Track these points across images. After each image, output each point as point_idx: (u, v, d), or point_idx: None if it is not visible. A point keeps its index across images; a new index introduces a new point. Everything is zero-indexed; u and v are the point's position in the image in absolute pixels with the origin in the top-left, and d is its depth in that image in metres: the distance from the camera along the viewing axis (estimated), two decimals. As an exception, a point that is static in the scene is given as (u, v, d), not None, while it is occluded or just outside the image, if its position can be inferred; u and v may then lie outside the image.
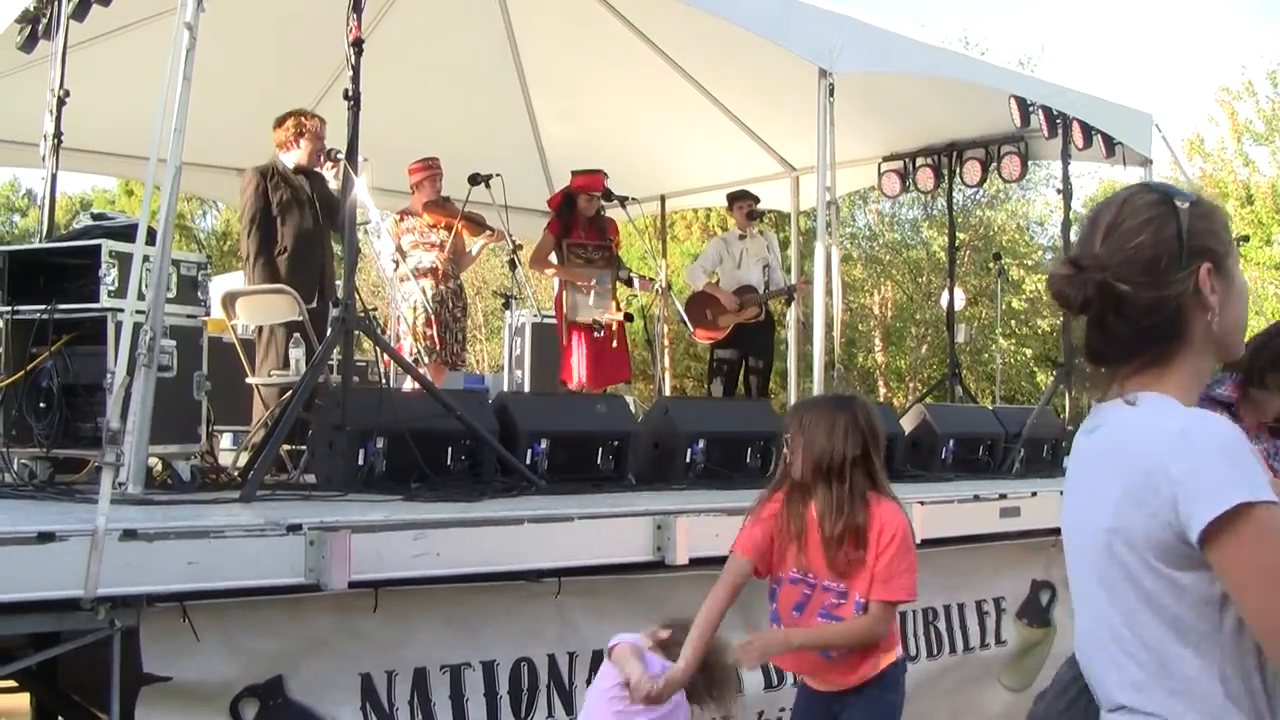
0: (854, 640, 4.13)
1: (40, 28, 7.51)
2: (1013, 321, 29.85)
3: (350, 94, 6.25)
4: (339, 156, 7.21)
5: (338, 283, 7.83)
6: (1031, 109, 9.67)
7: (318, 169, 8.08)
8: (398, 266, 8.98)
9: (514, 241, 9.69)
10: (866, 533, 4.06)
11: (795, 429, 4.18)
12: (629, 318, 10.09)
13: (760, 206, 11.49)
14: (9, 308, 6.02)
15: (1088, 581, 2.13)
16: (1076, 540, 2.20)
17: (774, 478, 4.43)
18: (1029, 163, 11.47)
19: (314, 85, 10.36)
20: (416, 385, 6.93)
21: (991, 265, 16.22)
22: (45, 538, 3.83)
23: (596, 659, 5.48)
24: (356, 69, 6.28)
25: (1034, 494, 7.40)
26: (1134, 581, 2.00)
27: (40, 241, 7.17)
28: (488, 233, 9.47)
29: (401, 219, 9.30)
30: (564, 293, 9.68)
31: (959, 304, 18.20)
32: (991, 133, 11.11)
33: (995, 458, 9.29)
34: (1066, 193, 10.80)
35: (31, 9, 7.48)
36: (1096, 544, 2.07)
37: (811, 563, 4.14)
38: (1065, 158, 10.51)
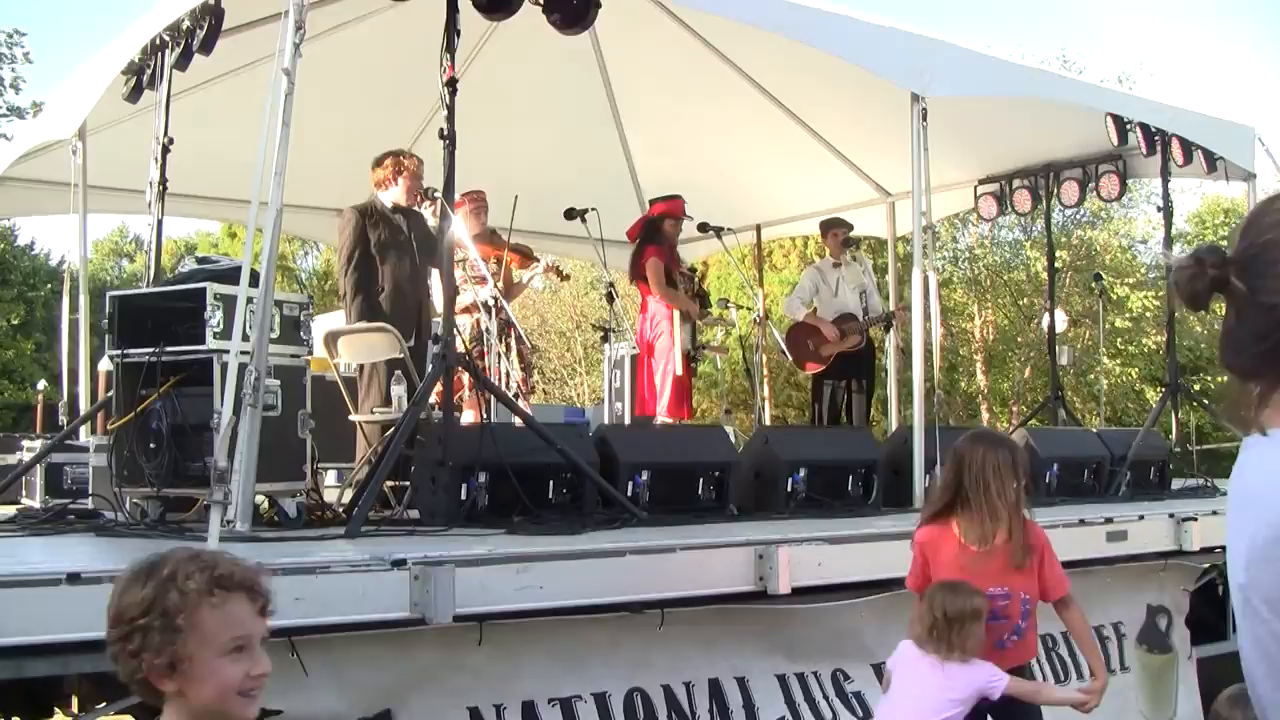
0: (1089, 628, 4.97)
1: (145, 78, 7.70)
2: (1118, 340, 29.41)
3: (445, 133, 6.33)
4: (436, 195, 7.29)
5: (435, 319, 7.90)
6: (1129, 127, 9.54)
7: (415, 208, 8.16)
8: (497, 301, 9.01)
9: (552, 259, 9.70)
10: (1030, 547, 4.60)
11: (961, 463, 4.59)
12: (724, 350, 10.08)
13: (856, 233, 11.45)
14: (119, 351, 6.14)
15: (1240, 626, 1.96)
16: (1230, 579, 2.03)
17: (928, 508, 4.85)
18: (1128, 181, 11.32)
19: (410, 125, 10.50)
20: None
21: (1093, 285, 16.02)
22: (157, 576, 3.89)
23: (714, 688, 5.48)
24: (451, 108, 6.36)
25: (1141, 517, 7.27)
26: (1274, 639, 1.76)
27: (147, 286, 7.32)
28: (537, 264, 9.49)
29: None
30: (674, 322, 9.63)
31: (1060, 325, 18.00)
32: (1089, 152, 10.98)
33: (1100, 481, 9.13)
34: (1167, 210, 10.64)
35: (136, 60, 7.66)
36: (1237, 598, 1.85)
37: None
38: (1165, 175, 10.35)
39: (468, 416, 8.33)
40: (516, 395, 9.15)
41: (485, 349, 8.98)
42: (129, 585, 2.33)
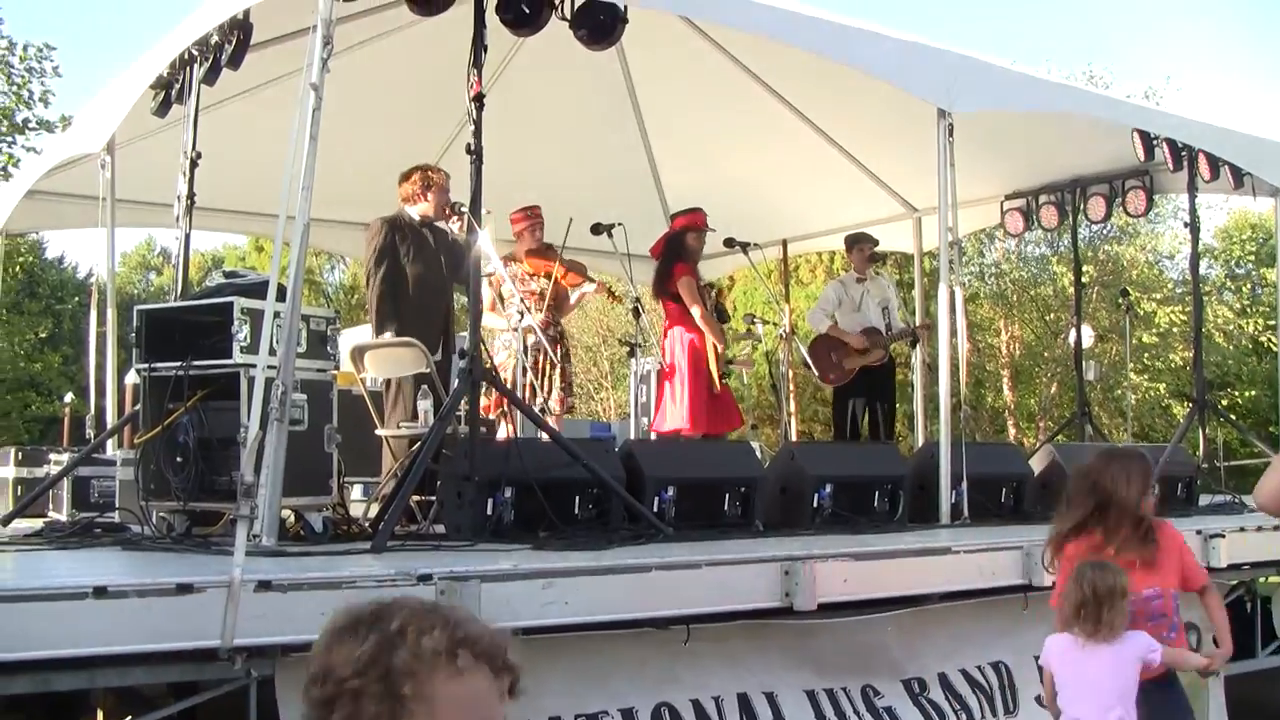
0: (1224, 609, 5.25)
1: (173, 93, 7.74)
2: (1144, 356, 29.25)
3: (473, 148, 6.34)
4: (463, 209, 7.30)
5: (461, 334, 7.90)
6: (1155, 142, 9.51)
7: (441, 222, 8.18)
8: (523, 317, 9.00)
9: (628, 288, 9.68)
10: (1169, 547, 4.92)
11: (1098, 479, 4.84)
12: (751, 364, 10.04)
13: (882, 248, 11.42)
14: (146, 365, 6.16)
15: None
16: None
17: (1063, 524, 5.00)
18: (1155, 196, 11.28)
19: (436, 140, 10.53)
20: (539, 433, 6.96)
21: (1120, 301, 15.95)
22: (184, 589, 3.91)
23: (743, 703, 5.46)
24: (478, 123, 6.36)
25: (1168, 534, 7.21)
26: None
27: (175, 299, 7.34)
28: (589, 283, 9.47)
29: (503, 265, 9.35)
30: (704, 339, 9.62)
31: (1087, 341, 17.91)
32: (1115, 167, 10.95)
33: (1129, 498, 9.06)
34: (1194, 225, 10.60)
35: (165, 75, 7.70)
36: None
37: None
38: (1192, 190, 10.30)
39: (505, 430, 8.32)
40: (544, 411, 9.17)
41: (530, 363, 9.01)
42: (342, 635, 1.82)
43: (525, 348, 8.98)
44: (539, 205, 9.43)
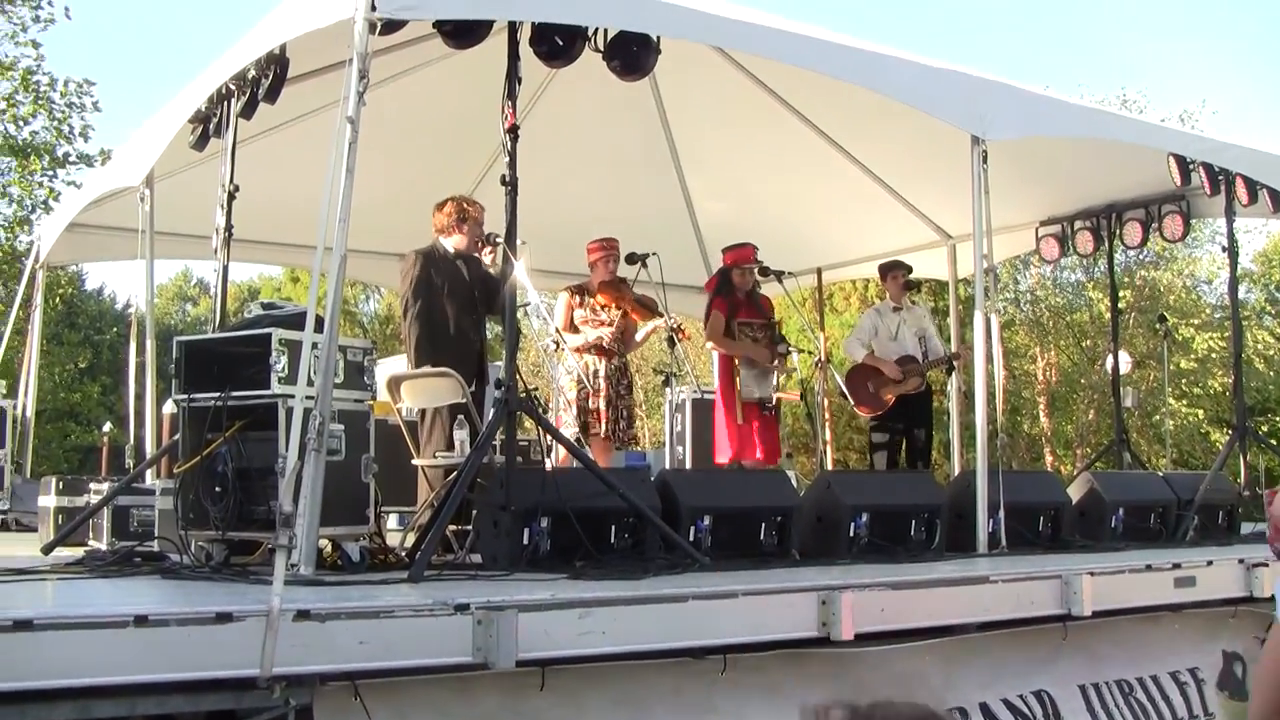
0: None
1: (211, 126, 7.82)
2: (1183, 382, 29.08)
3: (507, 179, 6.37)
4: (498, 240, 7.33)
5: (495, 364, 7.92)
6: (1192, 166, 9.45)
7: (475, 253, 8.21)
8: (558, 347, 9.04)
9: (673, 319, 9.69)
10: None
11: None
12: (804, 396, 10.03)
13: (917, 275, 11.40)
14: (185, 396, 6.21)
15: None
16: None
17: None
18: (1192, 221, 11.22)
19: (470, 171, 10.60)
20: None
21: (1157, 327, 15.86)
22: (223, 618, 3.94)
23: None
24: (513, 154, 6.39)
25: (1210, 563, 7.15)
26: None
27: (213, 331, 7.40)
28: (656, 320, 9.48)
29: (575, 294, 9.41)
30: (733, 370, 9.65)
31: (1124, 367, 17.84)
32: (1151, 192, 10.91)
33: (1168, 526, 9.01)
34: (1232, 250, 10.54)
35: (203, 109, 7.78)
36: None
37: None
38: (1229, 215, 10.23)
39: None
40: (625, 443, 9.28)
41: (592, 390, 9.04)
42: None
43: (589, 376, 9.04)
44: (616, 238, 9.44)
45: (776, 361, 9.63)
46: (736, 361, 9.70)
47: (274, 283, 44.29)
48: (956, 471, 11.74)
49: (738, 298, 9.75)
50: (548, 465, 6.96)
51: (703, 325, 10.25)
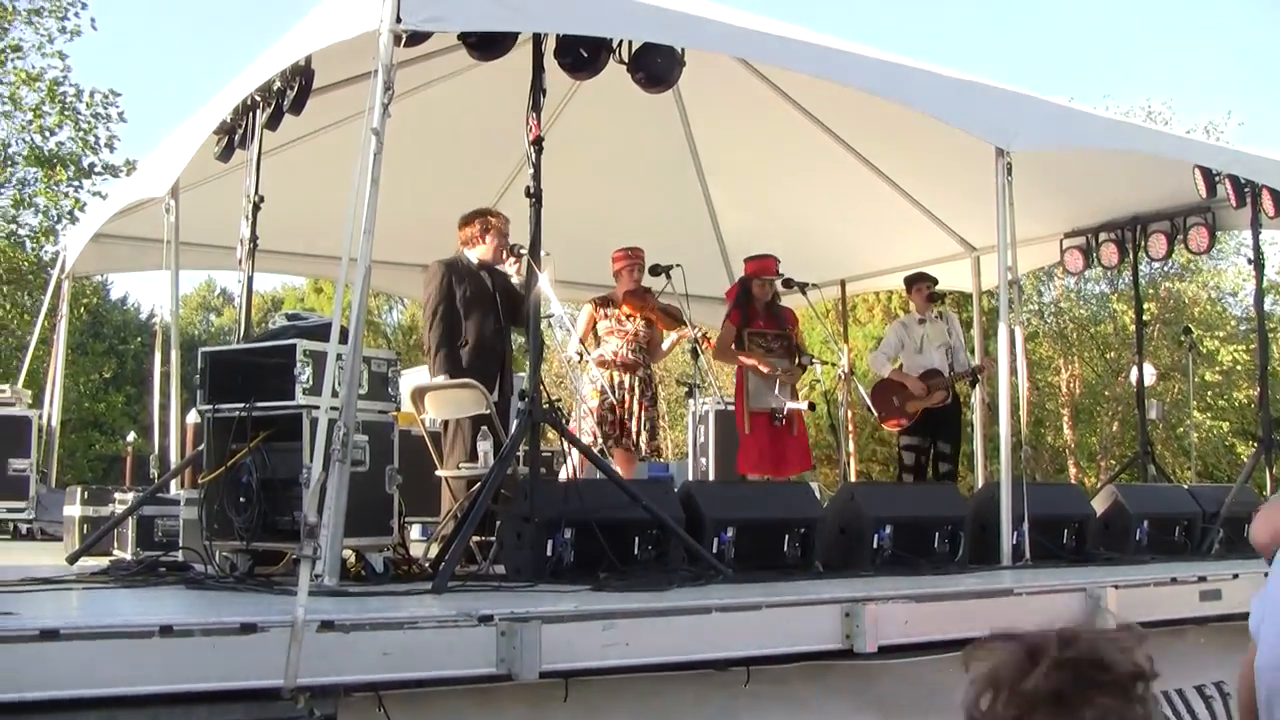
0: None
1: (236, 138, 7.85)
2: (1208, 394, 28.96)
3: (532, 191, 6.38)
4: (522, 252, 7.33)
5: (519, 375, 7.93)
6: (1217, 178, 9.41)
7: (499, 265, 8.22)
8: (582, 358, 9.05)
9: (697, 330, 9.68)
10: None
11: None
12: (812, 406, 9.96)
13: (941, 287, 11.37)
14: (210, 406, 6.23)
15: None
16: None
17: None
18: (1217, 233, 11.16)
19: (495, 183, 10.63)
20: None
21: (1182, 339, 15.79)
22: (247, 629, 3.95)
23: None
24: (537, 166, 6.40)
25: (1235, 576, 7.11)
26: None
27: (238, 342, 7.43)
28: (681, 329, 9.48)
29: (600, 305, 9.42)
30: (745, 381, 9.64)
31: (1149, 379, 17.76)
32: (1176, 204, 10.85)
33: (1193, 539, 8.97)
34: (1258, 263, 10.51)
35: (228, 120, 7.81)
36: None
37: None
38: (1256, 227, 10.17)
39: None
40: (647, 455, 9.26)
41: (616, 402, 9.04)
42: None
43: (612, 387, 9.05)
44: (641, 248, 9.44)
45: (781, 372, 9.54)
46: (746, 375, 9.68)
47: (297, 293, 44.49)
48: (980, 483, 11.71)
49: (755, 308, 9.72)
50: (564, 475, 6.97)
51: None
